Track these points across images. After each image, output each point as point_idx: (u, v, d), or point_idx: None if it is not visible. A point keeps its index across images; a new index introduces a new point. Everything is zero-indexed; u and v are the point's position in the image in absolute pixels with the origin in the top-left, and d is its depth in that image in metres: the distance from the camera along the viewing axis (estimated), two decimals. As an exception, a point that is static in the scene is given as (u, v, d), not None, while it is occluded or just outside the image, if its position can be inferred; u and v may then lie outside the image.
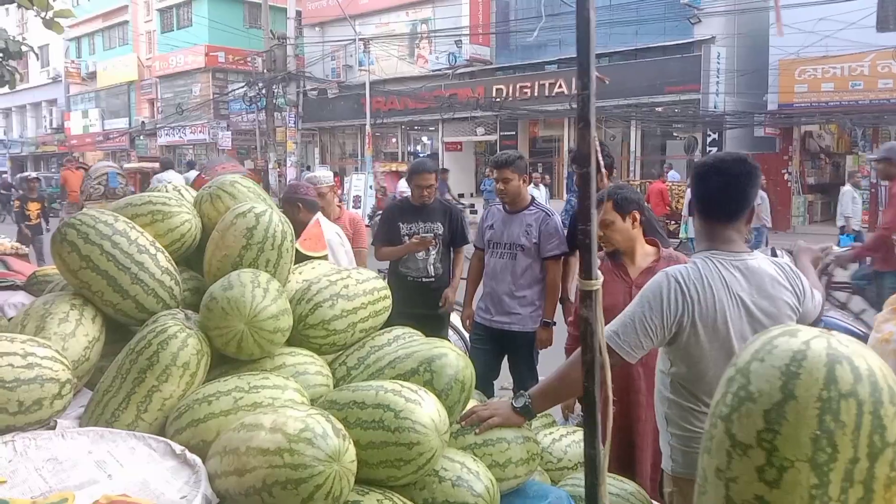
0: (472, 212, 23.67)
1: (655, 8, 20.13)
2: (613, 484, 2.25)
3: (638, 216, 3.13)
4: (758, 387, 0.98)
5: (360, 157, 26.50)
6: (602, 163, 1.31)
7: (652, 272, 2.97)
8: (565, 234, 4.42)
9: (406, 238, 4.94)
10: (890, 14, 17.70)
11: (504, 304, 4.43)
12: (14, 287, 3.30)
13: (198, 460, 1.68)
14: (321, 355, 2.26)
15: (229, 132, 31.31)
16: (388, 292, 2.47)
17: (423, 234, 4.90)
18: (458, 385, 2.00)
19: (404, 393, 1.80)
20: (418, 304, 4.75)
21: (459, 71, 24.79)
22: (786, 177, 19.63)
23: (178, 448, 1.72)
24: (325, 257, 2.92)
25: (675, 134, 22.62)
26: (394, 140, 28.69)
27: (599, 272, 2.63)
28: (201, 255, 2.58)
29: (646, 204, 4.33)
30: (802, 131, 20.44)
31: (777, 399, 0.96)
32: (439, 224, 4.99)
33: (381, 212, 5.94)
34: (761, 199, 12.79)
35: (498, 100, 23.05)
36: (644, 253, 3.14)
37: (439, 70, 25.22)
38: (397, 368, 2.04)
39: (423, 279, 4.97)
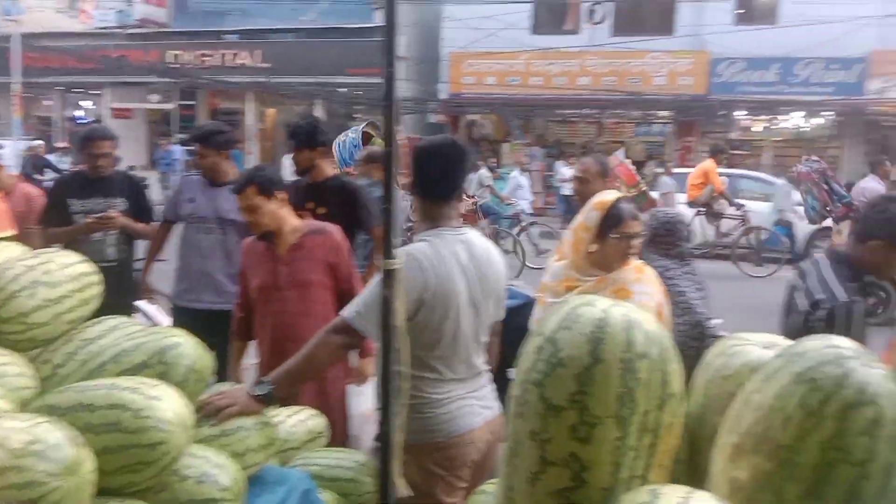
0: (142, 186, 21.86)
1: (340, -12, 20.48)
2: (344, 457, 2.31)
3: (283, 195, 3.13)
4: (568, 353, 1.08)
5: (10, 122, 22.84)
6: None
7: (301, 247, 3.12)
8: None
9: (80, 217, 4.29)
10: (541, 19, 20.24)
11: (217, 282, 4.18)
12: None
13: None
14: (18, 353, 1.94)
15: None
16: (98, 277, 2.19)
17: (101, 214, 4.24)
18: (196, 375, 1.89)
19: (142, 389, 1.64)
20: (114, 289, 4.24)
21: (130, 31, 22.60)
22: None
23: None
24: (14, 238, 2.49)
25: (355, 116, 23.31)
26: (47, 103, 25.25)
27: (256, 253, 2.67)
28: None
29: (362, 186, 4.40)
30: (467, 120, 22.45)
31: (586, 363, 1.07)
32: (121, 199, 4.39)
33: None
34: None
35: (176, 66, 21.53)
36: (292, 228, 3.17)
37: (106, 28, 22.71)
38: (123, 363, 1.85)
39: (102, 264, 4.40)
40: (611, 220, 2.90)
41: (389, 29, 1.18)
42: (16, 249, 2.30)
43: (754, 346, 1.56)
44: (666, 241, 3.55)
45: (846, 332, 2.53)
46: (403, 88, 21.06)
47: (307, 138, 3.98)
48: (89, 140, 4.37)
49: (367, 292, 2.25)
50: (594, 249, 2.91)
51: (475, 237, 2.51)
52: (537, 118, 21.87)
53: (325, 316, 3.06)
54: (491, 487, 1.80)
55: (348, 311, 2.22)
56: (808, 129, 19.90)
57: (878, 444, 1.09)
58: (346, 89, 21.24)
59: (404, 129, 20.64)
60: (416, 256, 2.30)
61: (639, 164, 20.13)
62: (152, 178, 21.52)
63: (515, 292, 3.57)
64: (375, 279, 2.28)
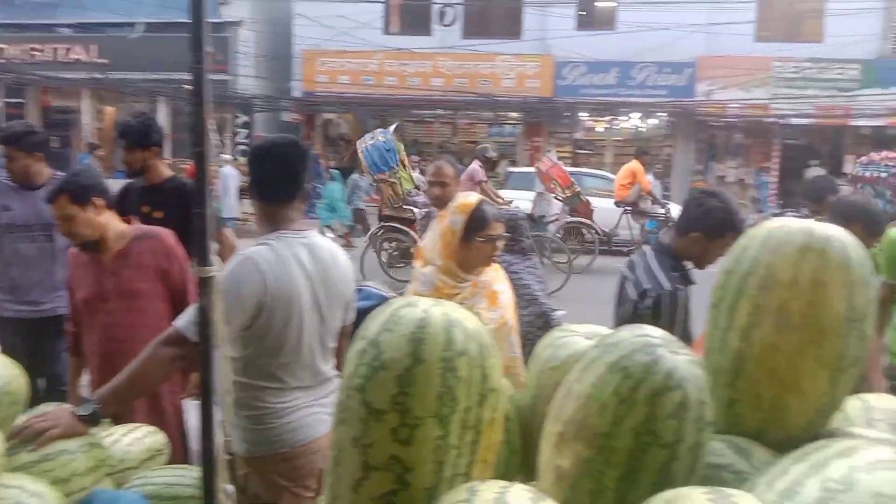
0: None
1: (182, -19, 19.53)
2: (185, 474, 2.19)
3: (101, 201, 2.90)
4: (389, 355, 1.06)
5: None
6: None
7: (128, 253, 2.92)
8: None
9: None
10: (392, 20, 20.32)
11: (44, 290, 3.85)
12: None
13: None
14: None
15: None
16: None
17: None
18: (9, 398, 1.73)
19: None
20: None
21: (-59, 21, 20.48)
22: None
23: None
24: None
25: (204, 113, 22.36)
26: None
27: (81, 263, 2.53)
28: None
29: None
30: (323, 118, 22.15)
31: (407, 364, 1.05)
32: None
33: None
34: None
35: (1, 61, 19.73)
36: (117, 235, 2.94)
37: (-89, 16, 20.46)
38: None
39: None
40: (475, 223, 2.91)
41: (196, 23, 1.12)
42: None
43: (580, 336, 1.62)
44: (509, 239, 3.66)
45: (671, 318, 2.71)
46: (255, 86, 20.51)
47: (139, 137, 3.72)
48: None
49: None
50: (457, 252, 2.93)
51: (319, 239, 2.46)
52: (393, 118, 21.92)
53: (157, 327, 2.86)
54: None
55: (182, 321, 2.09)
56: (644, 130, 21.24)
57: (685, 426, 1.15)
58: (191, 86, 20.31)
59: (256, 128, 20.10)
60: (255, 260, 2.22)
61: (492, 164, 20.74)
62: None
63: (370, 293, 3.53)
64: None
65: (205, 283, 1.27)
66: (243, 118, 20.30)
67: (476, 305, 2.87)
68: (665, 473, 1.15)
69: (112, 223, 2.94)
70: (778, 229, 1.32)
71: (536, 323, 3.60)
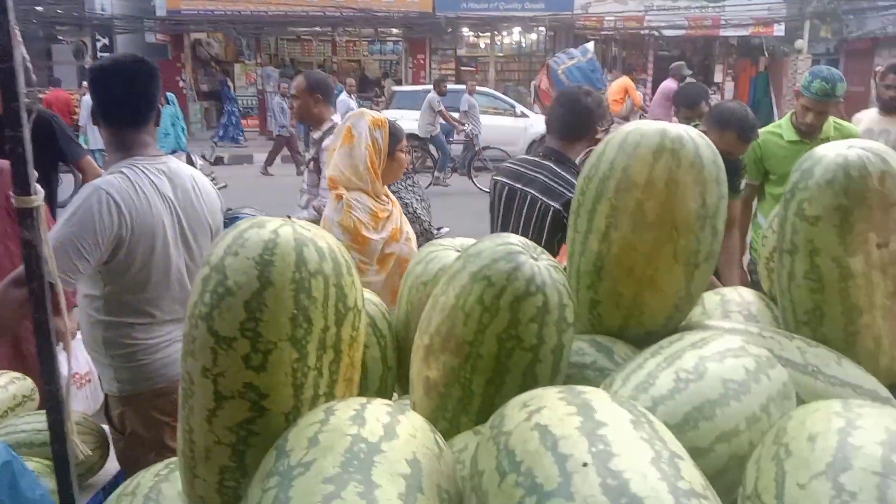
0: None
1: None
2: (36, 419, 2.08)
3: None
4: (235, 280, 1.00)
5: None
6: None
7: None
8: None
9: None
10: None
11: None
12: None
13: None
14: None
15: None
16: None
17: None
18: None
19: None
20: None
21: None
22: (181, 84, 19.90)
23: None
24: None
25: (60, 38, 20.55)
26: None
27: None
28: None
29: (57, 115, 3.81)
30: (192, 39, 20.85)
31: (255, 288, 0.99)
32: None
33: None
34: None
35: None
36: None
37: None
38: None
39: None
40: (395, 136, 2.97)
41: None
42: None
43: (451, 250, 1.60)
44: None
45: None
46: (115, 5, 18.94)
47: None
48: None
49: (51, 236, 1.98)
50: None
51: (179, 165, 2.31)
52: (268, 37, 20.91)
53: (9, 268, 2.71)
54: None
55: None
56: (525, 46, 21.31)
57: (546, 329, 1.16)
58: (42, 8, 18.54)
59: (116, 50, 18.67)
60: (108, 191, 2.06)
61: (375, 83, 20.31)
62: None
63: (244, 218, 3.41)
64: (62, 219, 2.02)
65: (26, 214, 1.14)
66: (103, 41, 18.80)
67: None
68: (530, 375, 1.16)
69: None
70: (633, 132, 1.32)
71: (420, 242, 3.60)
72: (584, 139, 2.80)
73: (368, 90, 19.48)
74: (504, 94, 16.79)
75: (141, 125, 2.23)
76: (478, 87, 14.39)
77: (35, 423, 2.06)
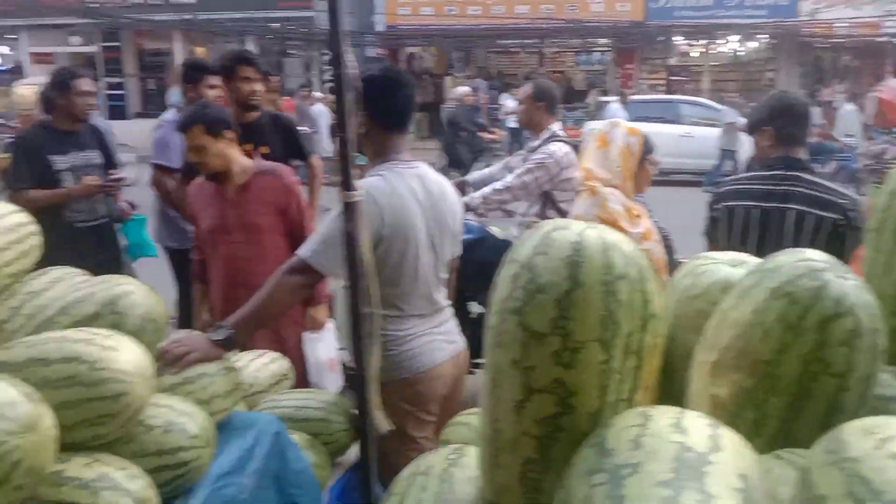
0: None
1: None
2: (312, 398, 2.26)
3: (231, 134, 2.98)
4: (546, 279, 1.03)
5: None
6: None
7: (250, 187, 2.99)
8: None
9: (66, 175, 3.83)
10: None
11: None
12: None
13: None
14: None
15: None
16: (36, 227, 2.06)
17: (115, 178, 3.83)
18: (152, 324, 1.80)
19: (96, 340, 1.55)
20: (92, 252, 3.80)
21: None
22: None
23: None
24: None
25: (290, 52, 22.56)
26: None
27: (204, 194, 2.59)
28: None
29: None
30: (407, 53, 21.97)
31: (566, 288, 1.02)
32: (95, 152, 4.00)
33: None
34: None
35: (96, 5, 20.35)
36: (241, 169, 3.02)
37: (16, -34, 21.25)
38: (73, 314, 1.74)
39: (93, 223, 3.98)
40: (647, 146, 3.07)
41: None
42: (-60, 202, 2.13)
43: (722, 264, 1.55)
44: None
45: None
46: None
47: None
48: (71, 79, 3.81)
49: (324, 228, 2.16)
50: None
51: (429, 171, 2.46)
52: (478, 49, 21.53)
53: (277, 261, 2.98)
54: (468, 419, 1.78)
55: (305, 250, 2.15)
56: (743, 54, 20.14)
57: (856, 354, 1.08)
58: (278, 24, 20.46)
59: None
60: (371, 192, 2.22)
61: (581, 94, 20.18)
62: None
63: (470, 226, 3.55)
64: (331, 214, 2.19)
65: (348, 208, 1.26)
66: (329, 55, 20.36)
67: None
68: (834, 404, 1.09)
69: (237, 157, 3.03)
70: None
71: None
72: (803, 145, 2.75)
73: (574, 100, 19.40)
74: (718, 103, 15.93)
75: (403, 131, 2.41)
76: (687, 97, 13.76)
77: (295, 399, 2.26)
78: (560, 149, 3.73)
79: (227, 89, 3.80)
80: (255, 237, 2.98)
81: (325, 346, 3.00)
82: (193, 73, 4.22)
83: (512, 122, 14.36)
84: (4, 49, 23.95)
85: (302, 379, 2.77)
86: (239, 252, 2.98)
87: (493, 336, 1.09)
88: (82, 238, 3.88)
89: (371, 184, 2.24)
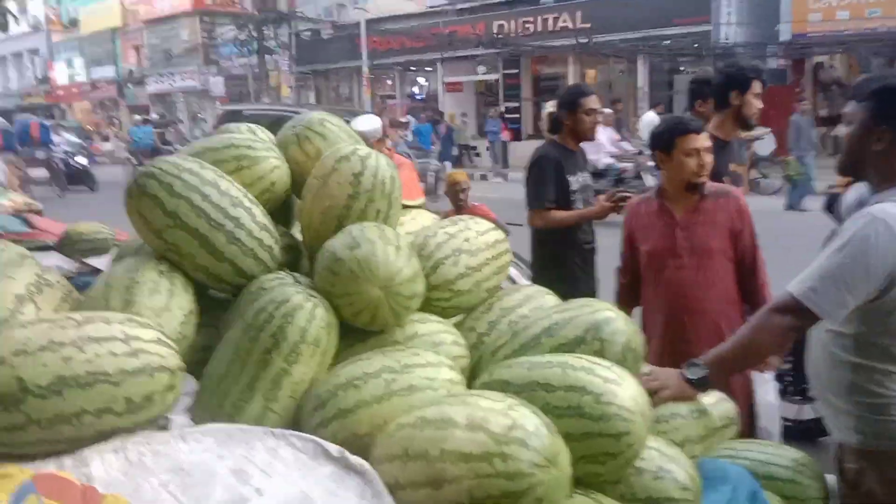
0: (475, 154, 23.07)
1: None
2: (775, 452, 1.96)
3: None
4: None
5: (357, 101, 25.68)
6: None
7: (702, 209, 2.78)
8: None
9: (577, 195, 3.79)
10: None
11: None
12: (45, 248, 2.95)
13: (365, 465, 1.34)
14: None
15: (220, 78, 30.31)
16: (508, 244, 2.12)
17: (621, 195, 3.59)
18: (632, 354, 1.68)
19: (598, 371, 1.47)
20: (591, 273, 3.89)
21: (459, 6, 23.88)
22: (801, 109, 19.07)
23: (333, 449, 1.37)
24: (422, 206, 2.55)
25: (681, 68, 21.98)
26: (389, 82, 27.86)
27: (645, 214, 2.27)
28: (285, 208, 2.24)
29: None
30: (813, 62, 19.85)
31: None
32: (588, 173, 4.01)
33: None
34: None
35: (500, 36, 22.26)
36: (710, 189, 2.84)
37: (437, 6, 24.32)
38: (557, 337, 1.70)
39: (588, 245, 3.93)
40: None
41: None
42: (426, 217, 2.34)
43: None
44: None
45: None
46: (739, 34, 19.26)
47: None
48: (581, 96, 3.74)
49: (820, 264, 1.83)
50: None
51: None
52: (905, 54, 18.53)
53: (724, 288, 2.80)
54: None
55: (798, 287, 1.83)
56: None
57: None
58: (669, 42, 20.07)
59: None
60: (888, 223, 1.78)
61: None
62: (480, 147, 22.76)
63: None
64: (832, 245, 1.85)
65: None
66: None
67: None
68: None
69: None
70: None
71: None
72: None
73: None
74: None
75: None
76: None
77: (756, 452, 1.98)
78: None
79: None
80: (705, 262, 2.80)
81: (774, 387, 2.67)
82: (700, 88, 4.09)
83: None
84: (421, 80, 27.53)
85: (747, 422, 2.48)
86: (686, 277, 2.81)
87: None
88: (591, 260, 3.92)
89: (887, 212, 1.81)
